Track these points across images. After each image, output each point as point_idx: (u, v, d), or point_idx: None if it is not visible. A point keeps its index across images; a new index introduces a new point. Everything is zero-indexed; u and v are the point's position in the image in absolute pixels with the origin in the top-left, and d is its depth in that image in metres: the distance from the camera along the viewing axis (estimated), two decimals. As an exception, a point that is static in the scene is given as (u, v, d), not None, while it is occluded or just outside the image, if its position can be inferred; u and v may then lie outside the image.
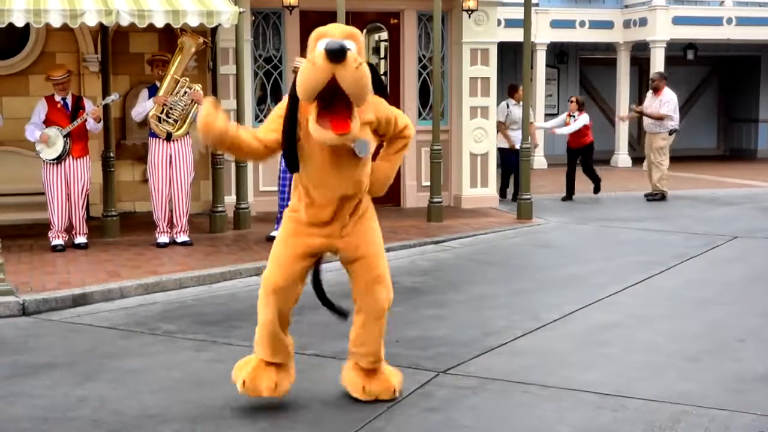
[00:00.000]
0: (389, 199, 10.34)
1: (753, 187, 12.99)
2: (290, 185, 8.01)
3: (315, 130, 3.50)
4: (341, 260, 3.87)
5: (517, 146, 10.28)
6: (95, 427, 3.71)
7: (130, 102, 9.13)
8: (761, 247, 8.11)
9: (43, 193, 7.70)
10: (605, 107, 17.56)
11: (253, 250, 7.59)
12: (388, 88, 10.68)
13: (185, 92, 7.69)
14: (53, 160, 7.43)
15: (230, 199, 8.92)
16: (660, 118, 11.29)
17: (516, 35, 11.20)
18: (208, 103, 3.63)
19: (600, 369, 4.46)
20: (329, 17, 9.53)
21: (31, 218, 8.65)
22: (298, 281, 3.79)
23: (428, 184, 9.58)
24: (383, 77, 10.84)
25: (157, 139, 7.71)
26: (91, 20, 6.99)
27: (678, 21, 15.56)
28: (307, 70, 3.45)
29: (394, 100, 10.52)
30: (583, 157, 11.60)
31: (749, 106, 18.87)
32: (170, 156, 7.72)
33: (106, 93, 8.04)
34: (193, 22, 7.24)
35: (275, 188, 8.29)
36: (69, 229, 7.66)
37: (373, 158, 3.87)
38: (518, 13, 10.41)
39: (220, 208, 8.59)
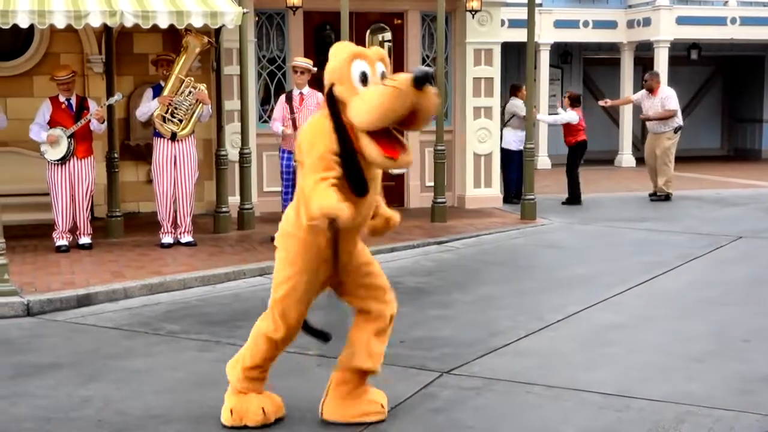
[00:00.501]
0: (393, 200, 10.34)
1: (757, 187, 12.95)
2: (293, 185, 8.02)
3: (373, 152, 3.28)
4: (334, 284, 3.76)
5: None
6: (99, 428, 3.71)
7: (134, 102, 9.14)
8: (766, 247, 8.08)
9: (47, 194, 7.71)
10: (609, 107, 17.52)
11: (257, 251, 7.60)
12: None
13: (190, 92, 7.69)
14: (58, 160, 7.45)
15: (234, 200, 8.93)
16: (667, 117, 11.22)
17: (519, 35, 11.18)
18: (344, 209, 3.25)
19: (604, 369, 4.45)
20: (333, 18, 9.58)
21: (36, 219, 8.66)
22: None
23: (432, 184, 9.57)
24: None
25: (162, 139, 7.72)
26: (96, 21, 7.00)
27: (682, 21, 15.53)
28: (388, 96, 3.16)
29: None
30: (569, 156, 11.21)
31: (753, 106, 18.83)
32: (174, 156, 7.72)
33: (110, 94, 8.06)
34: (197, 22, 7.24)
35: (279, 188, 8.29)
36: (73, 230, 7.67)
37: None
38: (522, 14, 10.39)
39: (224, 209, 8.59)
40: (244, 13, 7.62)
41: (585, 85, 17.77)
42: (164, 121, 7.67)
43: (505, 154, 10.83)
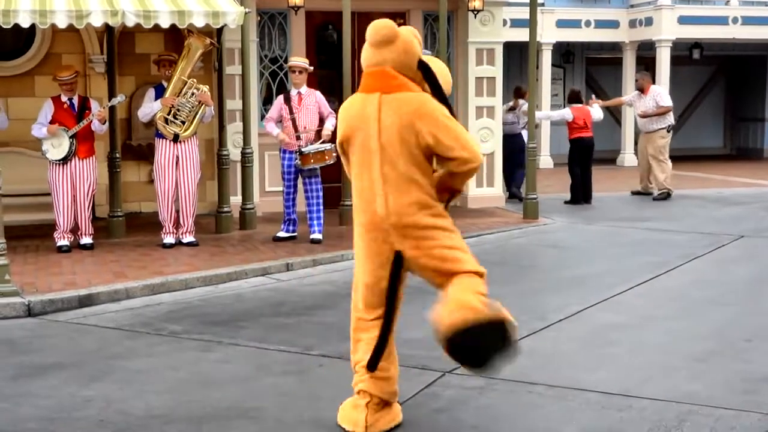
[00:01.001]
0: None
1: (760, 186, 12.95)
2: (295, 185, 8.04)
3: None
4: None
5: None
6: (101, 428, 3.70)
7: (136, 102, 9.14)
8: (768, 246, 8.08)
9: (48, 194, 7.70)
10: (611, 107, 17.51)
11: (259, 251, 7.59)
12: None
13: (192, 93, 7.68)
14: (59, 160, 7.44)
15: (236, 200, 8.92)
16: (663, 113, 11.31)
17: (522, 35, 11.17)
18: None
19: (606, 369, 4.44)
20: (335, 17, 9.57)
21: (37, 219, 8.66)
22: None
23: (434, 184, 9.55)
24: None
25: (164, 139, 7.71)
26: (97, 21, 7.00)
27: (684, 20, 15.53)
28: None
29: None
30: (568, 154, 11.25)
31: (755, 105, 18.82)
32: (177, 157, 7.72)
33: (112, 93, 8.05)
34: (199, 22, 7.24)
35: (281, 188, 8.28)
36: (74, 230, 7.66)
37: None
38: (524, 13, 10.38)
39: (225, 209, 8.59)
40: (245, 13, 7.62)
41: (587, 85, 17.75)
42: (167, 123, 7.67)
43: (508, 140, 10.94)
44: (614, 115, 17.21)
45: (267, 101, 10.07)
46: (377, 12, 10.32)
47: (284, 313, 5.71)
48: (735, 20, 15.82)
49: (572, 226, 9.36)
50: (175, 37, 9.11)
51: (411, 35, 3.49)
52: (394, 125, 3.34)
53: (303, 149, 7.70)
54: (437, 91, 3.44)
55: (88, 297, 5.96)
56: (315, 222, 7.94)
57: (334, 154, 7.83)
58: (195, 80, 7.80)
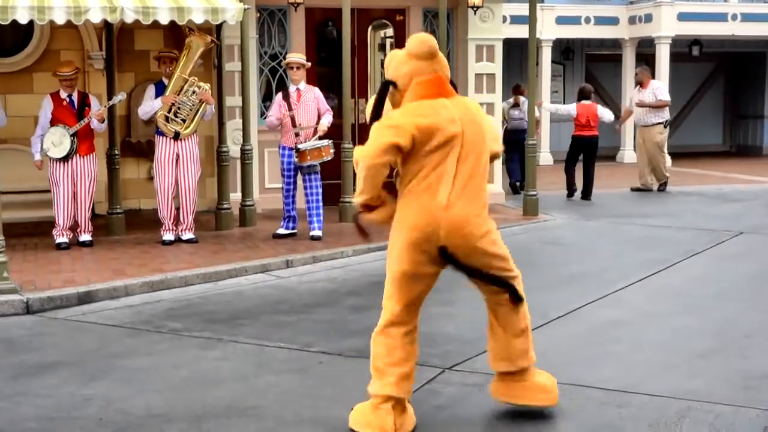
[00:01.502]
0: (395, 196, 10.30)
1: (759, 183, 12.95)
2: (295, 182, 8.03)
3: None
4: None
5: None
6: (101, 427, 3.69)
7: (135, 99, 9.12)
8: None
9: (47, 191, 7.69)
10: (611, 103, 17.51)
11: (259, 248, 7.58)
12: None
13: (194, 92, 7.66)
14: (61, 158, 7.42)
15: (236, 197, 8.91)
16: (661, 106, 11.45)
17: (521, 32, 11.16)
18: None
19: (606, 366, 4.44)
20: (335, 14, 9.55)
21: (36, 216, 8.64)
22: None
23: (434, 180, 9.54)
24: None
25: (164, 137, 7.69)
26: (96, 17, 6.97)
27: (683, 17, 15.52)
28: None
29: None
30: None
31: (755, 102, 18.82)
32: (177, 154, 7.70)
33: (111, 90, 8.03)
34: (198, 19, 7.21)
35: (280, 185, 8.27)
36: (74, 227, 7.65)
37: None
38: (523, 10, 10.37)
39: (225, 206, 8.58)
40: (245, 10, 7.59)
41: (587, 82, 17.72)
42: (167, 121, 7.64)
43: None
44: (614, 112, 17.20)
45: (267, 98, 10.05)
46: (377, 8, 10.31)
47: (284, 311, 5.70)
48: (734, 17, 15.82)
49: (572, 222, 9.36)
50: (174, 34, 9.09)
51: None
52: (471, 127, 3.46)
53: (300, 146, 7.68)
54: None
55: (87, 294, 5.95)
56: (315, 219, 7.93)
57: (332, 151, 7.82)
58: (196, 78, 7.77)
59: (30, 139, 7.75)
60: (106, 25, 7.94)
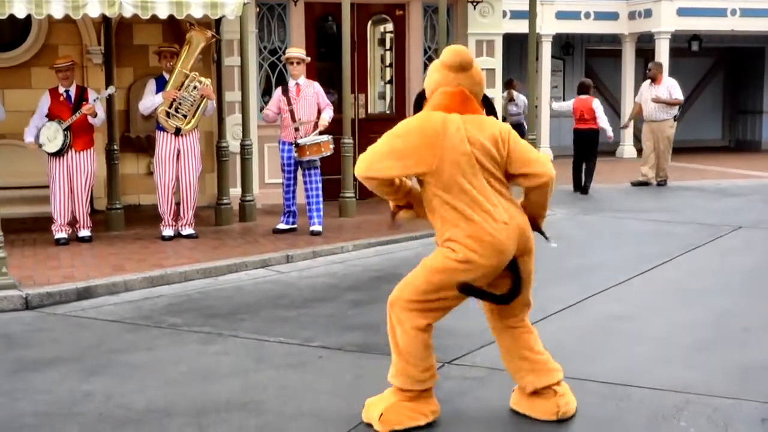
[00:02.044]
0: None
1: (758, 178, 12.97)
2: (295, 177, 8.02)
3: None
4: None
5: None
6: (101, 422, 3.69)
7: (134, 94, 9.10)
8: (766, 237, 8.08)
9: (46, 186, 7.68)
10: (610, 98, 17.51)
11: (259, 243, 7.58)
12: (393, 81, 10.65)
13: (195, 87, 7.64)
14: (54, 153, 7.40)
15: (236, 192, 8.90)
16: (675, 104, 11.67)
17: (521, 27, 11.15)
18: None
19: (606, 359, 4.45)
20: (334, 9, 9.53)
21: (35, 212, 8.63)
22: None
23: (433, 175, 9.54)
24: (389, 69, 10.81)
25: (165, 132, 7.67)
26: (94, 11, 6.94)
27: (682, 12, 15.52)
28: None
29: (400, 92, 10.48)
30: None
31: (754, 97, 18.84)
32: (178, 150, 7.69)
33: (109, 85, 8.00)
34: (197, 13, 7.19)
35: (280, 180, 8.26)
36: (72, 223, 7.64)
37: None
38: (523, 5, 10.35)
39: (225, 201, 8.57)
40: (244, 4, 7.57)
41: (587, 77, 17.70)
42: (168, 117, 7.63)
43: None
44: (614, 107, 17.20)
45: (266, 93, 10.04)
46: (377, 3, 10.29)
47: (284, 306, 5.70)
48: (734, 12, 15.82)
49: (572, 217, 9.36)
50: (173, 29, 9.07)
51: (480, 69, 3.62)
52: (484, 144, 3.38)
53: (299, 141, 7.67)
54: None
55: (86, 290, 5.94)
56: (315, 214, 7.92)
57: (332, 146, 7.81)
58: (197, 73, 7.75)
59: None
60: (105, 19, 7.92)
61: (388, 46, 10.87)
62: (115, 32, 8.49)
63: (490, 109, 3.58)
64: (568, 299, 5.65)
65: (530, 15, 9.55)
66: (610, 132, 11.27)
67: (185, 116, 7.65)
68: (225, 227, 8.38)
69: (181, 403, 3.88)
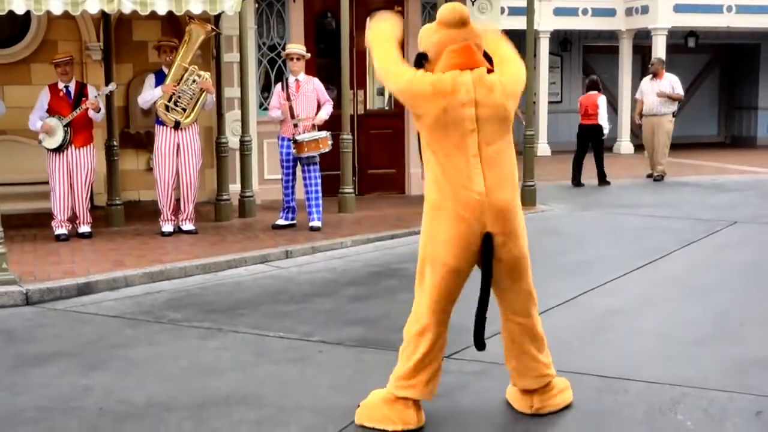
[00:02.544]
0: (394, 187, 10.34)
1: (753, 173, 13.02)
2: (294, 173, 8.04)
3: None
4: None
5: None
6: (101, 416, 3.71)
7: (134, 90, 9.10)
8: (762, 232, 8.13)
9: (46, 182, 7.68)
10: (608, 95, 17.53)
11: (258, 239, 7.60)
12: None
13: (194, 80, 7.64)
14: (54, 149, 7.41)
15: (235, 188, 8.92)
16: (678, 99, 11.97)
17: (519, 23, 11.16)
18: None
19: (603, 353, 4.48)
20: (333, 5, 9.54)
21: (35, 208, 8.64)
22: None
23: (432, 171, 9.56)
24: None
25: (164, 126, 7.68)
26: (93, 8, 6.94)
27: (679, 9, 15.56)
28: None
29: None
30: None
31: (749, 93, 18.89)
32: (177, 144, 7.69)
33: (109, 81, 8.01)
34: (196, 9, 7.20)
35: (279, 176, 8.28)
36: (72, 219, 7.65)
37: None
38: (521, 1, 10.37)
39: (224, 197, 8.59)
40: (243, 0, 7.57)
41: (584, 73, 17.74)
42: (167, 110, 7.63)
43: None
44: (611, 103, 17.20)
45: (265, 89, 10.05)
46: (376, 0, 10.29)
47: (284, 301, 5.72)
48: (729, 9, 15.87)
49: (570, 213, 9.40)
50: (173, 24, 9.07)
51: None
52: (491, 103, 3.35)
53: (297, 137, 7.69)
54: None
55: (86, 285, 5.96)
56: (314, 210, 7.94)
57: (330, 142, 7.83)
58: (196, 67, 7.75)
59: (28, 130, 7.74)
60: (104, 15, 7.92)
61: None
62: (115, 28, 8.50)
63: (490, 62, 3.54)
64: (566, 294, 5.68)
65: (528, 11, 9.57)
66: (606, 129, 11.62)
67: (184, 110, 7.65)
68: (224, 223, 8.40)
69: (181, 397, 3.90)
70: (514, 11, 13.52)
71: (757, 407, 3.69)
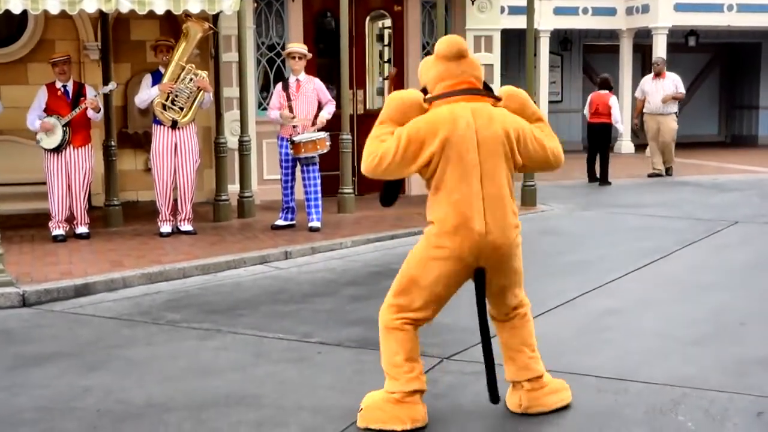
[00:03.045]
0: (379, 199, 10.29)
1: (755, 173, 13.00)
2: (293, 174, 8.02)
3: None
4: None
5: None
6: (100, 417, 3.69)
7: (132, 90, 9.08)
8: (763, 232, 8.11)
9: (44, 183, 7.66)
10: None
11: (257, 239, 7.58)
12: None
13: (191, 79, 7.62)
14: (52, 149, 7.39)
15: (234, 188, 8.90)
16: (680, 97, 12.26)
17: (519, 22, 11.17)
18: None
19: (603, 353, 4.46)
20: (332, 4, 9.52)
21: (33, 208, 8.63)
22: None
23: (431, 171, 9.54)
24: (387, 65, 10.80)
25: (162, 126, 7.66)
26: (90, 7, 6.92)
27: (680, 8, 15.55)
28: None
29: (398, 88, 10.46)
30: None
31: (750, 92, 18.89)
32: (175, 144, 7.67)
33: (106, 81, 7.99)
34: (195, 8, 7.18)
35: (279, 176, 8.26)
36: (70, 219, 7.63)
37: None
38: (521, 0, 10.36)
39: (223, 197, 8.57)
40: None
41: (585, 73, 17.75)
42: (164, 109, 7.61)
43: None
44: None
45: (264, 89, 10.03)
46: (375, -1, 10.28)
47: (283, 301, 5.70)
48: (730, 8, 15.86)
49: (570, 212, 9.39)
50: (171, 24, 9.05)
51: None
52: (492, 136, 3.33)
53: (294, 138, 7.67)
54: None
55: (84, 286, 5.93)
56: (313, 210, 7.93)
57: (328, 143, 7.81)
58: (193, 66, 7.73)
59: (25, 130, 7.73)
60: (102, 15, 7.90)
61: (386, 42, 10.87)
62: (112, 28, 8.47)
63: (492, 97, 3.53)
64: (566, 294, 5.67)
65: (528, 11, 9.55)
66: (620, 127, 12.05)
67: (182, 109, 7.63)
68: (223, 223, 8.38)
69: (180, 398, 3.89)
70: (514, 10, 13.50)
71: (757, 408, 3.68)
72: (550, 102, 16.36)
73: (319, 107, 7.92)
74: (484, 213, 3.31)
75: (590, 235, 8.13)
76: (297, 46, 8.07)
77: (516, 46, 15.78)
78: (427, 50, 10.36)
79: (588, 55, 17.89)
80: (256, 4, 9.71)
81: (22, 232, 7.81)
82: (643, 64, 17.56)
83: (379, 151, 3.33)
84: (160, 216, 7.75)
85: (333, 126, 8.47)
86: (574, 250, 7.30)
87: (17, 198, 8.62)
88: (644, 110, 12.45)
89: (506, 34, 12.39)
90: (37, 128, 7.35)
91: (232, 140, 8.97)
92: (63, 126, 7.36)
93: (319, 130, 7.82)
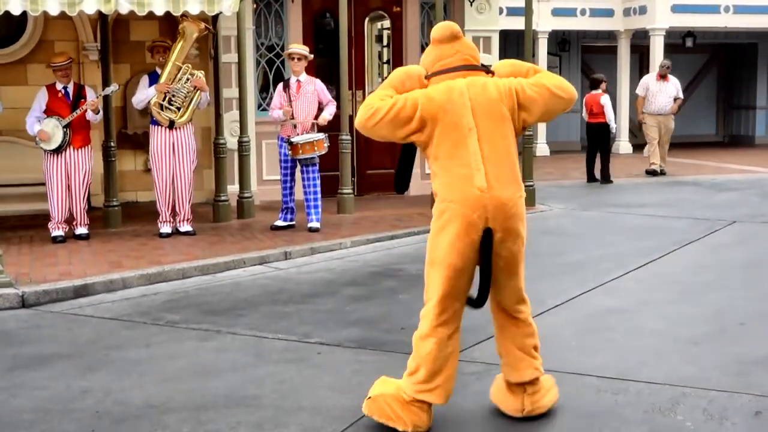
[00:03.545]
0: (393, 187, 10.31)
1: (752, 173, 13.03)
2: (293, 174, 8.02)
3: None
4: None
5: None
6: (98, 418, 3.69)
7: (130, 91, 9.07)
8: (762, 232, 8.12)
9: (43, 184, 7.66)
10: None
11: (257, 239, 7.58)
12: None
13: (187, 79, 7.62)
14: (53, 150, 7.39)
15: (234, 188, 8.90)
16: (680, 103, 12.59)
17: (518, 23, 11.19)
18: None
19: (602, 353, 4.46)
20: (332, 5, 9.53)
21: (32, 209, 8.62)
22: None
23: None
24: (386, 65, 10.80)
25: (159, 127, 7.66)
26: (90, 8, 6.92)
27: (677, 9, 15.60)
28: None
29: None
30: None
31: (747, 93, 18.94)
32: (173, 144, 7.67)
33: (106, 82, 7.99)
34: (194, 9, 7.18)
35: (278, 177, 8.26)
36: (69, 220, 7.62)
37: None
38: (520, 2, 10.37)
39: (223, 197, 8.57)
40: (241, 0, 7.55)
41: (583, 73, 17.76)
42: (162, 109, 7.61)
43: None
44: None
45: (263, 90, 10.03)
46: (374, 0, 10.28)
47: (282, 302, 5.70)
48: (727, 9, 15.92)
49: (569, 212, 9.39)
50: (170, 25, 9.04)
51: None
52: (486, 101, 3.38)
53: (293, 139, 7.67)
54: None
55: (83, 287, 5.93)
56: (313, 210, 7.92)
57: (326, 145, 7.81)
58: (190, 66, 7.73)
59: (25, 131, 7.72)
60: (101, 15, 7.90)
61: (385, 42, 10.87)
62: (112, 28, 8.48)
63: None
64: (566, 293, 5.67)
65: (526, 12, 9.56)
66: (613, 125, 11.95)
67: (179, 109, 7.63)
68: (223, 224, 8.38)
69: (179, 398, 3.88)
70: (512, 11, 13.53)
71: (756, 407, 3.68)
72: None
73: (320, 108, 7.92)
74: (485, 171, 3.34)
75: (590, 234, 8.14)
76: (297, 47, 8.07)
77: (514, 47, 15.79)
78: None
79: (586, 56, 17.91)
80: (255, 5, 9.71)
81: (21, 233, 7.81)
82: (641, 64, 17.60)
83: (375, 105, 3.40)
84: (161, 217, 7.75)
85: (332, 126, 8.47)
86: (573, 250, 7.31)
87: (17, 199, 8.62)
88: (644, 110, 12.52)
89: (504, 35, 12.43)
90: (35, 134, 7.35)
91: (231, 141, 8.97)
92: (63, 127, 7.36)
93: (318, 131, 7.82)
